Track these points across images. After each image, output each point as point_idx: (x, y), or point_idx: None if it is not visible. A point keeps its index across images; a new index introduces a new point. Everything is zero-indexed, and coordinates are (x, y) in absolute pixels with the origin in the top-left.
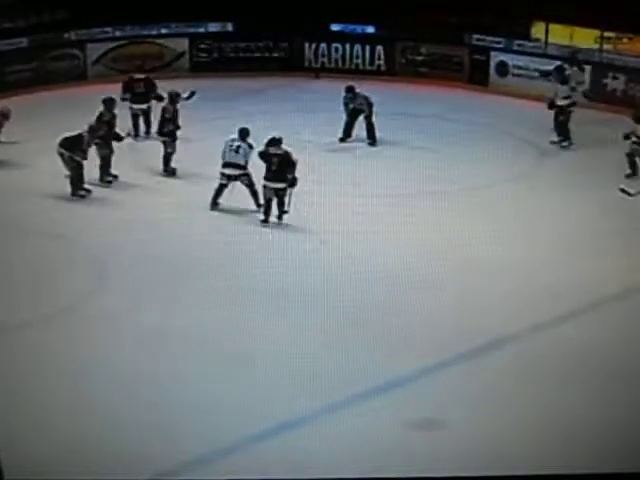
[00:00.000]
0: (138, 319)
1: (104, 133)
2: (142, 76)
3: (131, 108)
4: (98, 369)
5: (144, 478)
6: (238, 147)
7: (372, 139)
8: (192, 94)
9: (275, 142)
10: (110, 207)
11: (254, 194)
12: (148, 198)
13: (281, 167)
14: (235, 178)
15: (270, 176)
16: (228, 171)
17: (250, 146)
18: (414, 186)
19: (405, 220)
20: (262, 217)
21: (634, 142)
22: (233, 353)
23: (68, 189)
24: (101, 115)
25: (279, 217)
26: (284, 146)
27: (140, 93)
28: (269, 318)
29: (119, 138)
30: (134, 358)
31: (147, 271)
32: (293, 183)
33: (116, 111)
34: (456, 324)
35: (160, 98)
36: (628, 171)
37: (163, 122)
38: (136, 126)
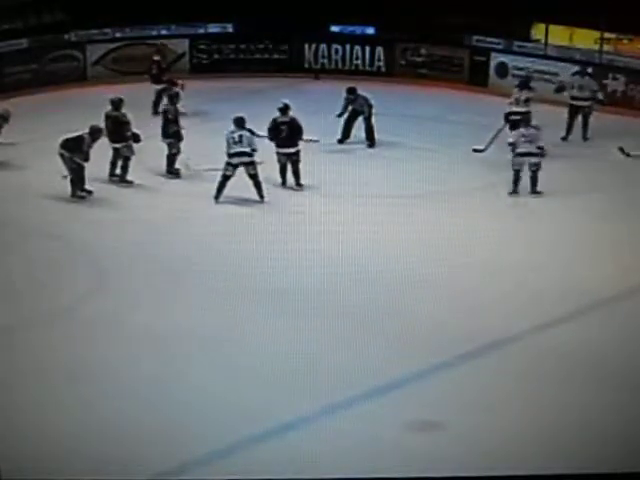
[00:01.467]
0: (138, 319)
1: (130, 135)
2: (157, 58)
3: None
4: (98, 369)
5: (144, 478)
6: (240, 137)
7: (371, 141)
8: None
9: (282, 110)
10: (110, 208)
11: (258, 185)
12: (149, 199)
13: (291, 133)
14: (241, 166)
15: (281, 143)
16: (235, 160)
17: (251, 131)
18: (413, 187)
19: (405, 221)
20: (280, 181)
21: (518, 154)
22: (233, 353)
23: (68, 190)
24: (117, 117)
25: (298, 184)
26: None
27: (153, 74)
28: (269, 319)
29: (138, 139)
30: (134, 358)
31: (147, 272)
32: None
33: (124, 110)
34: (456, 325)
35: (172, 83)
36: (511, 188)
37: (166, 123)
38: (156, 103)
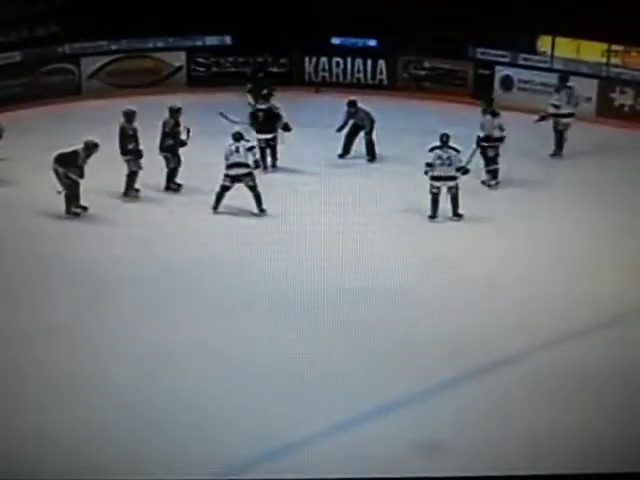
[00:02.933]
0: (138, 332)
1: (134, 148)
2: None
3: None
4: (98, 382)
5: (146, 478)
6: (237, 148)
7: (371, 156)
8: (188, 132)
9: (263, 96)
10: (107, 223)
11: (257, 197)
12: (146, 212)
13: (267, 120)
14: (239, 179)
15: (258, 129)
16: (232, 172)
17: (248, 141)
18: (414, 200)
19: (405, 235)
20: (260, 164)
21: (433, 177)
22: (231, 362)
23: (63, 206)
24: (123, 129)
25: (273, 166)
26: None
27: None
28: (265, 330)
29: (139, 154)
30: (134, 368)
31: (145, 285)
32: (287, 128)
33: (136, 123)
34: (454, 342)
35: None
36: (429, 212)
37: (163, 137)
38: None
